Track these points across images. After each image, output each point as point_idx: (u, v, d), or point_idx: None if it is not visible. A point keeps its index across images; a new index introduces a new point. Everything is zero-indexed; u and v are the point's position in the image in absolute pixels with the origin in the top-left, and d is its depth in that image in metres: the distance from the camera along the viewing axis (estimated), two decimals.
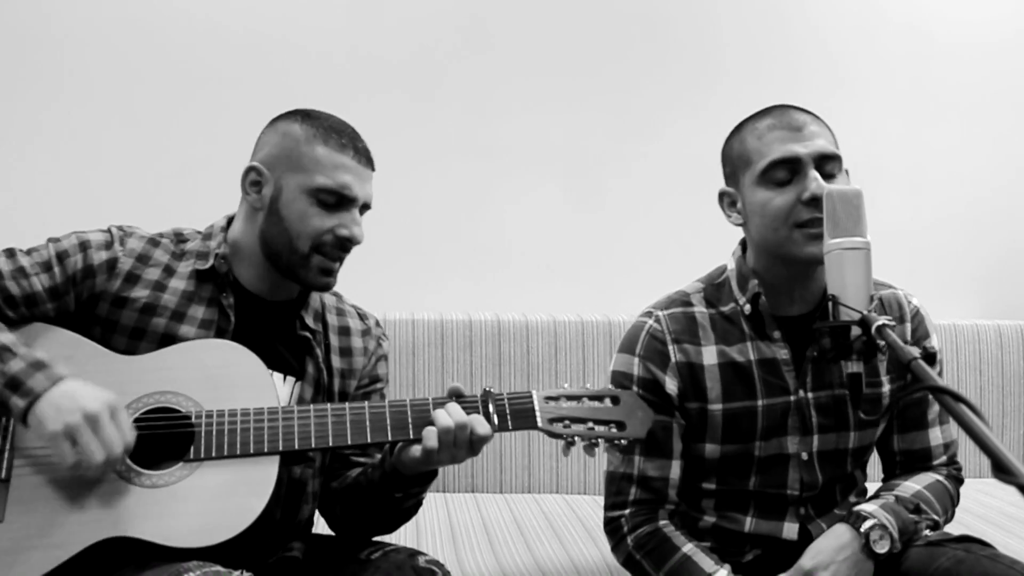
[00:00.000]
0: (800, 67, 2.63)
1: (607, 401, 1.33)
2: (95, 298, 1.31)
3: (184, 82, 2.40)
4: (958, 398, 0.88)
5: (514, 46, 2.54)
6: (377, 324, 1.54)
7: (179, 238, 1.40)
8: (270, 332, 1.38)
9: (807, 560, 1.30)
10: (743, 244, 1.46)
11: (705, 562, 1.33)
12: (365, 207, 1.39)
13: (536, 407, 1.29)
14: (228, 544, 1.16)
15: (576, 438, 1.29)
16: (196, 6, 2.42)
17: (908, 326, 1.45)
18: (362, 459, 1.44)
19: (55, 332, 1.28)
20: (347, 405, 1.27)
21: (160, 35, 2.40)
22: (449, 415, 1.24)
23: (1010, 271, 2.75)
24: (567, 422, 1.29)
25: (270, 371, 1.32)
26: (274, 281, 1.38)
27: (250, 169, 1.37)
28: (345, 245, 1.35)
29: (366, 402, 1.29)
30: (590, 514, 2.03)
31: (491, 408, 1.28)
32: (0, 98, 2.37)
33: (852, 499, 1.45)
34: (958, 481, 1.46)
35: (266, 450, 1.22)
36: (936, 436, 1.46)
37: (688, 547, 1.35)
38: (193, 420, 1.23)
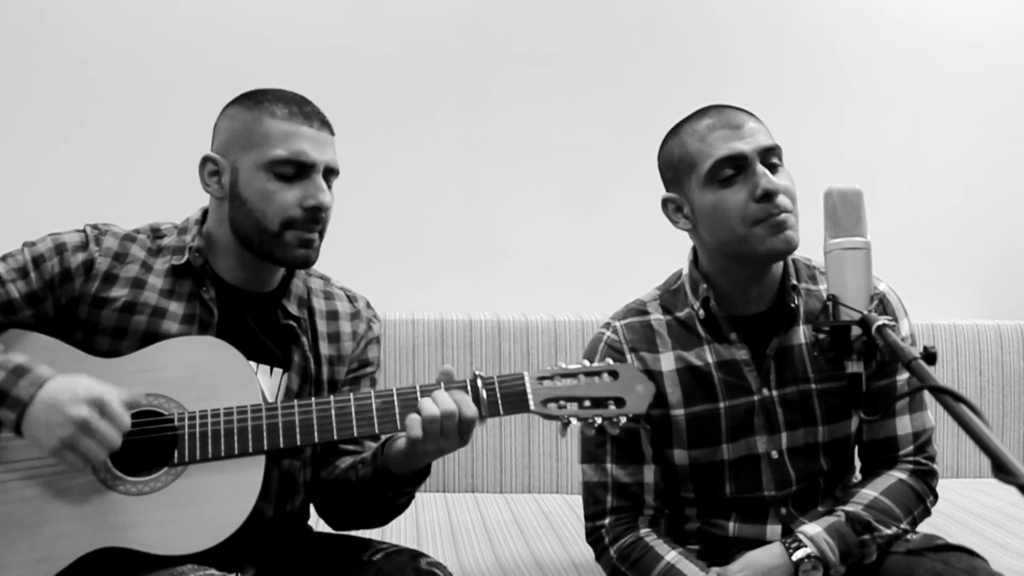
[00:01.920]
0: (802, 67, 2.63)
1: (605, 376, 1.26)
2: (75, 301, 1.29)
3: (181, 80, 2.40)
4: (958, 398, 0.88)
5: (514, 46, 2.54)
6: (368, 306, 1.49)
7: (156, 233, 1.37)
8: (253, 324, 1.35)
9: (735, 569, 1.30)
10: (695, 249, 1.45)
11: (690, 569, 1.32)
12: (330, 172, 1.33)
13: (528, 389, 1.23)
14: (226, 544, 1.15)
15: (572, 418, 1.23)
16: (195, 5, 2.42)
17: None
18: (351, 447, 1.41)
19: (33, 338, 1.25)
20: (332, 398, 1.24)
21: (160, 34, 2.40)
22: (436, 403, 1.18)
23: (1010, 271, 2.75)
24: (562, 402, 1.23)
25: (254, 364, 1.30)
26: (253, 270, 1.35)
27: (205, 160, 1.33)
28: (316, 216, 1.30)
29: (351, 394, 1.24)
30: None
31: (481, 393, 1.22)
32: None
33: (838, 494, 1.44)
34: (928, 474, 1.41)
35: (251, 450, 1.20)
36: (904, 425, 1.42)
37: (671, 555, 1.34)
38: (176, 423, 1.20)
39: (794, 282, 1.40)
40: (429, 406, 1.18)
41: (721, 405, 1.39)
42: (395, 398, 1.23)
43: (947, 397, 0.89)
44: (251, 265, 1.35)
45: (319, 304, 1.43)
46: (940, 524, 1.90)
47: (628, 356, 1.41)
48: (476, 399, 1.22)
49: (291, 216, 1.29)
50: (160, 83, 2.41)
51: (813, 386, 1.39)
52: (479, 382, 1.23)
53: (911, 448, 1.42)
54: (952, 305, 2.65)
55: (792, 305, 1.39)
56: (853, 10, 2.66)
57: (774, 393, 1.39)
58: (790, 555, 1.29)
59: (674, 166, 1.39)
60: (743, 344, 1.39)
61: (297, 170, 1.29)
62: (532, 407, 1.23)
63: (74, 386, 1.13)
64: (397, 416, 1.22)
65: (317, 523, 1.51)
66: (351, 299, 1.48)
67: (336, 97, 2.45)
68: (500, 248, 2.53)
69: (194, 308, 1.31)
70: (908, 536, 1.38)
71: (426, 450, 1.19)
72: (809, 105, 2.60)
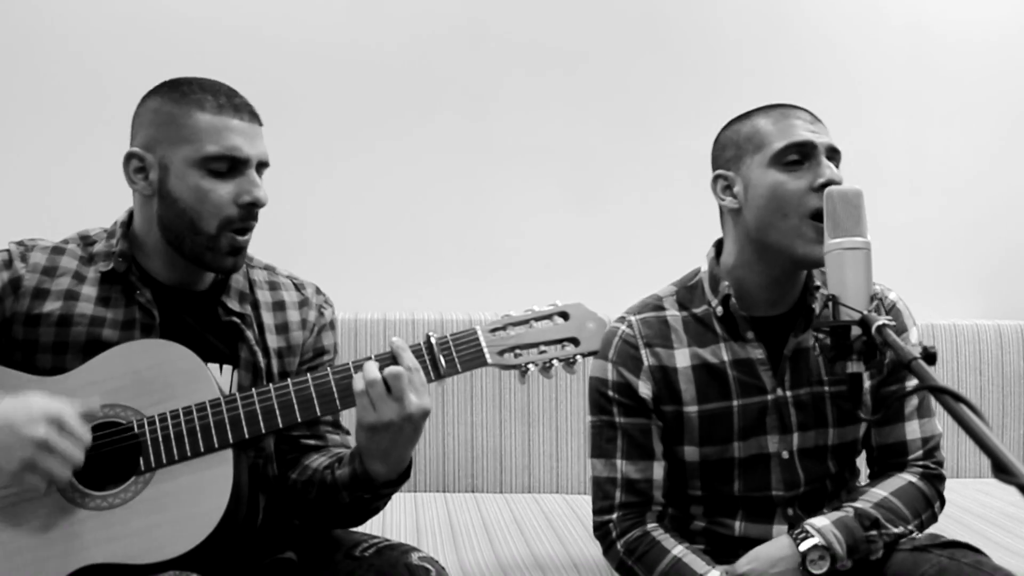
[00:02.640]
0: (801, 66, 2.63)
1: (556, 319, 1.26)
2: (7, 322, 1.26)
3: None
4: (958, 398, 0.88)
5: (514, 45, 2.54)
6: (318, 291, 1.45)
7: (86, 241, 1.34)
8: (195, 322, 1.32)
9: (743, 563, 1.31)
10: (717, 246, 1.46)
11: (696, 563, 1.32)
12: (262, 166, 1.30)
13: (483, 343, 1.22)
14: (208, 548, 1.14)
15: (529, 365, 1.23)
16: (196, 5, 2.42)
17: None
18: (311, 441, 1.39)
19: None
20: (290, 382, 1.22)
21: (160, 34, 2.40)
22: (376, 368, 1.17)
23: (1010, 271, 2.75)
24: (517, 351, 1.23)
25: (204, 361, 1.27)
26: (184, 270, 1.31)
27: (129, 156, 1.29)
28: (251, 212, 1.27)
29: (308, 375, 1.22)
30: (590, 514, 2.03)
31: (437, 354, 1.21)
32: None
33: (843, 497, 1.44)
34: (937, 478, 1.43)
35: (217, 445, 1.18)
36: (913, 430, 1.43)
37: (678, 549, 1.35)
38: (136, 431, 1.18)
39: (817, 283, 1.40)
40: (370, 369, 1.17)
41: (734, 403, 1.39)
42: (352, 371, 1.21)
43: (947, 397, 0.89)
44: (182, 265, 1.31)
45: (264, 296, 1.39)
46: (940, 524, 1.88)
47: (643, 351, 1.41)
48: (433, 361, 1.21)
49: (228, 215, 1.26)
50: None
51: (826, 389, 1.40)
52: (433, 340, 1.22)
53: (920, 453, 1.43)
54: (952, 305, 2.65)
55: (813, 306, 1.39)
56: (854, 10, 2.66)
57: (788, 394, 1.39)
58: (797, 545, 1.29)
59: (738, 144, 1.39)
60: (759, 343, 1.39)
61: (231, 165, 1.25)
62: (489, 360, 1.22)
63: (28, 405, 1.10)
64: None
65: None
66: (298, 287, 1.44)
67: (338, 97, 2.48)
68: (500, 248, 2.53)
69: (132, 313, 1.29)
70: (913, 535, 1.38)
71: (379, 416, 1.16)
72: (809, 105, 2.59)
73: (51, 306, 1.26)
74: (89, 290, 1.29)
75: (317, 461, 1.35)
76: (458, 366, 1.22)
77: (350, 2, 2.48)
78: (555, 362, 1.24)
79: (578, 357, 1.25)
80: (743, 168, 1.38)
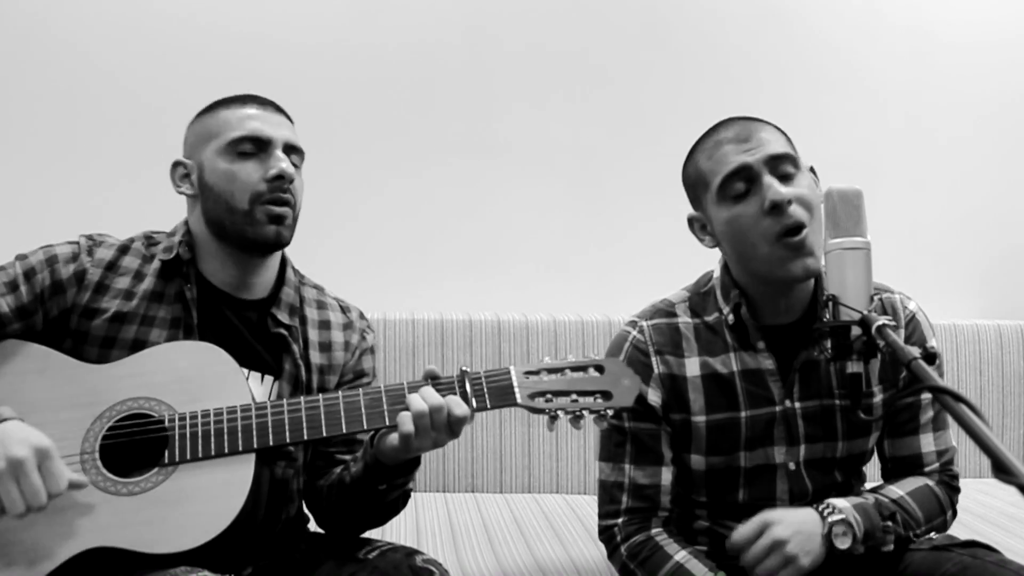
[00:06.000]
0: (801, 67, 2.63)
1: (591, 371, 1.27)
2: (67, 312, 1.31)
3: (183, 83, 2.40)
4: (958, 398, 0.88)
5: (515, 45, 2.54)
6: (361, 316, 1.51)
7: (150, 241, 1.40)
8: (244, 330, 1.36)
9: (772, 513, 1.27)
10: None
11: (699, 568, 1.31)
12: (292, 150, 1.37)
13: (515, 383, 1.24)
14: (218, 547, 1.15)
15: (559, 412, 1.24)
16: (195, 6, 2.42)
17: (902, 332, 1.41)
18: (347, 456, 1.42)
19: (25, 347, 1.27)
20: (320, 397, 1.25)
21: (160, 35, 2.41)
22: (423, 399, 1.19)
23: (1010, 271, 2.75)
24: (549, 396, 1.24)
25: (245, 371, 1.30)
26: (237, 270, 1.37)
27: (175, 165, 1.39)
28: (280, 185, 1.33)
29: (339, 392, 1.26)
30: (590, 514, 2.03)
31: (468, 388, 1.23)
32: None
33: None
34: (952, 489, 1.42)
35: (241, 449, 1.20)
36: (928, 442, 1.42)
37: (681, 554, 1.34)
38: (166, 424, 1.21)
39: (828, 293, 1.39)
40: (417, 402, 1.19)
41: (742, 414, 1.38)
42: (383, 394, 1.23)
43: (947, 397, 0.89)
44: (233, 264, 1.36)
45: (311, 313, 1.44)
46: None
47: (653, 359, 1.40)
48: (464, 394, 1.23)
49: (257, 191, 1.32)
50: (177, 90, 2.41)
51: (837, 402, 1.39)
52: (467, 380, 1.24)
53: (936, 465, 1.43)
54: (952, 305, 2.65)
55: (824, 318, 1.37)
56: (854, 10, 2.66)
57: (796, 405, 1.38)
58: (824, 518, 1.27)
59: (693, 185, 1.39)
60: (770, 354, 1.38)
61: (256, 147, 1.33)
62: (519, 401, 1.24)
63: (28, 432, 1.11)
64: (385, 411, 1.23)
65: (313, 524, 1.50)
66: (344, 309, 1.50)
67: (338, 99, 2.48)
68: (500, 248, 2.53)
69: (178, 311, 1.33)
70: (931, 535, 1.38)
71: (420, 445, 1.20)
72: (809, 104, 2.60)
73: (108, 303, 1.32)
74: (146, 286, 1.34)
75: (340, 468, 1.39)
76: (487, 403, 1.24)
77: (352, 5, 2.48)
78: (586, 413, 1.25)
79: (609, 411, 1.26)
80: (704, 208, 1.38)
